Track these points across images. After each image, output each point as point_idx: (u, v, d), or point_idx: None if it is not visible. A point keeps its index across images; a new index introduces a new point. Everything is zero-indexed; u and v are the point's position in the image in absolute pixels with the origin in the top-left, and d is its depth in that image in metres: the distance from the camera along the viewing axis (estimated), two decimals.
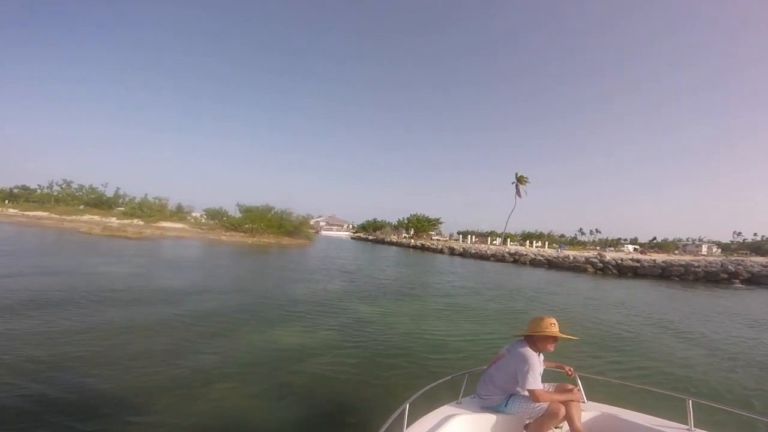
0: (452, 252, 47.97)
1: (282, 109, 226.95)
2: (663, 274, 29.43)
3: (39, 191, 68.81)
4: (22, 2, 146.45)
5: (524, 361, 2.76)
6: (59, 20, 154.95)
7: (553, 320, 2.89)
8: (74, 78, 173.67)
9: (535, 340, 2.88)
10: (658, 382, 6.04)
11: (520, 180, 71.65)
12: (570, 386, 2.91)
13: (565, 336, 2.92)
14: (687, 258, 45.76)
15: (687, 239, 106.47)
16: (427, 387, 2.81)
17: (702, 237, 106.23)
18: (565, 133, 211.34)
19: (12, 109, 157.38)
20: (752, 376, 6.64)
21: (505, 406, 2.83)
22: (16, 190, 73.43)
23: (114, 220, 48.83)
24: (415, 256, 41.47)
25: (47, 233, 32.08)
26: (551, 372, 3.20)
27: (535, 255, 38.81)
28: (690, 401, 2.62)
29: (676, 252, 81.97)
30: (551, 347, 2.89)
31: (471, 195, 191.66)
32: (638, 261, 32.96)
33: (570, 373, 3.11)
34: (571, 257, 35.74)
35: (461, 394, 3.00)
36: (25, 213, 52.15)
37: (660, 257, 45.34)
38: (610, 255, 40.54)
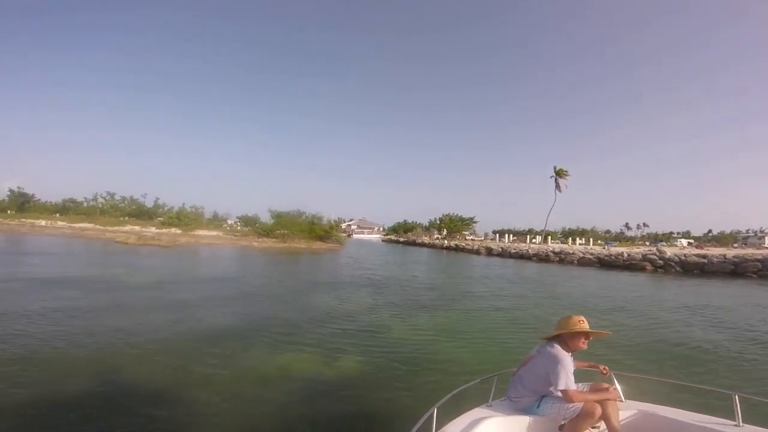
0: (490, 252, 45.43)
1: (312, 113, 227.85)
2: (736, 270, 25.99)
3: (86, 204, 72.43)
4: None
5: (556, 361, 2.67)
6: (72, 26, 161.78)
7: (582, 318, 2.80)
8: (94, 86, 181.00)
9: (566, 339, 2.79)
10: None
11: (559, 174, 67.48)
12: (605, 385, 2.80)
13: (597, 332, 2.85)
14: (753, 252, 40.89)
15: (747, 231, 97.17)
16: (456, 390, 2.68)
17: (764, 228, 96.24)
18: (604, 128, 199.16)
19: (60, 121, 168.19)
20: None
21: (537, 407, 2.72)
22: (67, 204, 78.03)
23: (153, 230, 50.38)
24: (449, 257, 39.54)
25: (85, 243, 33.49)
26: (586, 372, 3.05)
27: (583, 253, 35.67)
28: (737, 396, 2.42)
29: (735, 245, 74.12)
30: (584, 345, 2.79)
31: (504, 193, 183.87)
32: (704, 257, 29.36)
33: (605, 371, 2.96)
34: (625, 254, 32.44)
35: (491, 397, 2.88)
36: (72, 225, 54.83)
37: (718, 251, 40.62)
38: (674, 251, 36.52)
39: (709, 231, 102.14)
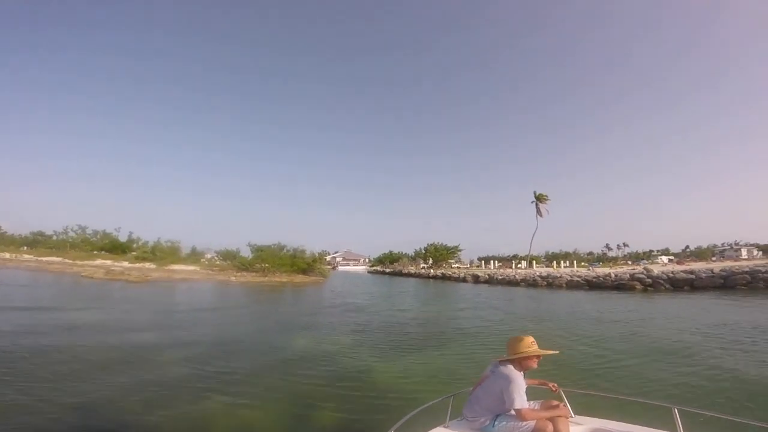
0: (476, 280, 44.54)
1: (289, 142, 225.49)
2: (726, 284, 26.08)
3: (55, 237, 68.75)
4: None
5: (509, 380, 2.73)
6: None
7: (532, 338, 2.89)
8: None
9: (518, 359, 2.86)
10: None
11: (539, 198, 68.38)
12: (555, 402, 2.88)
13: (546, 352, 2.90)
14: (732, 264, 41.58)
15: (723, 244, 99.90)
16: (413, 413, 2.72)
17: (738, 240, 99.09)
18: (574, 147, 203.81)
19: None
20: None
21: (493, 426, 2.77)
22: (36, 237, 74.08)
23: (125, 264, 47.84)
24: (436, 286, 38.41)
25: (49, 277, 31.86)
26: (536, 389, 3.08)
27: (571, 276, 35.25)
28: (676, 409, 2.55)
29: (713, 259, 75.75)
30: (534, 364, 2.87)
31: (487, 219, 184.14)
32: (692, 272, 29.27)
33: (554, 389, 3.04)
34: (613, 275, 32.15)
35: (448, 418, 2.91)
36: (39, 258, 51.74)
37: (699, 266, 41.52)
38: (656, 268, 36.69)
39: (687, 247, 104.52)
